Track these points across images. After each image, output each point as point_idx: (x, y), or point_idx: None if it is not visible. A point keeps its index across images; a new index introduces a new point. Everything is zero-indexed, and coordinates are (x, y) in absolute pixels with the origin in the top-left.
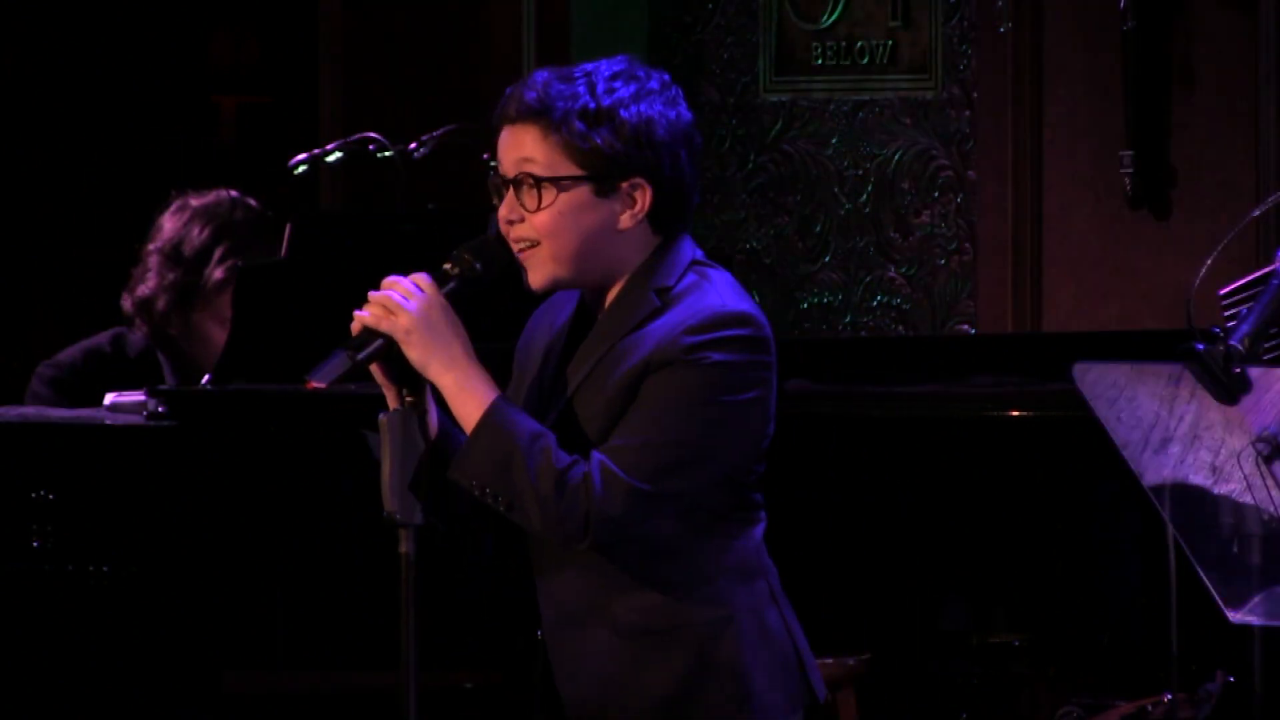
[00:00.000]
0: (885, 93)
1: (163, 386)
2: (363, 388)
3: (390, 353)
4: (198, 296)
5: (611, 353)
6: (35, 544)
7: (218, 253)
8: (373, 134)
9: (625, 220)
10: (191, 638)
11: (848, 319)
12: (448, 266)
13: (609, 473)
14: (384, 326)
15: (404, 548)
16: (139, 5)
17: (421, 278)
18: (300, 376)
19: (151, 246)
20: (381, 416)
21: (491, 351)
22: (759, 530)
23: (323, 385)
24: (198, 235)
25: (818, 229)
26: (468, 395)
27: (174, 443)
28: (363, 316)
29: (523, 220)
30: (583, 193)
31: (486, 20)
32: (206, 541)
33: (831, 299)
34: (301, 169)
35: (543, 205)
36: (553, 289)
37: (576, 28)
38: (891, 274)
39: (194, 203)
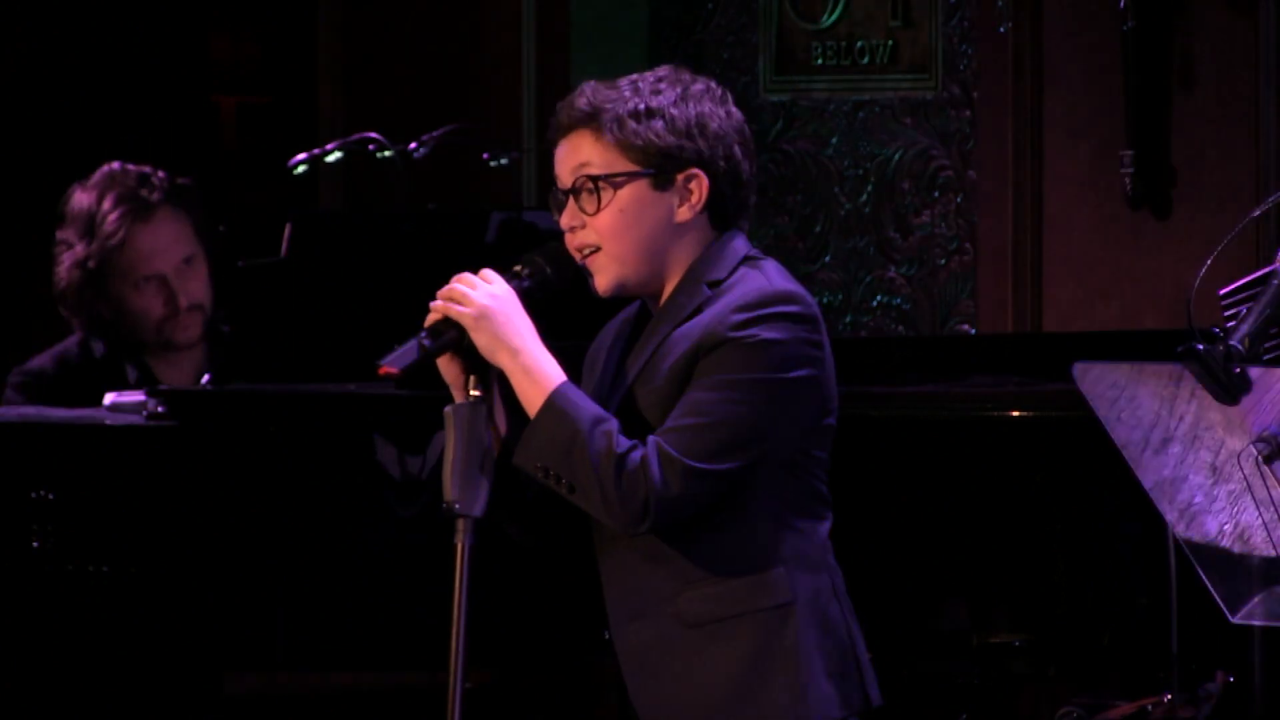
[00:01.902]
0: (885, 93)
1: (163, 386)
2: (363, 388)
3: (461, 345)
4: (102, 257)
5: (664, 345)
6: (35, 544)
7: (105, 205)
8: (373, 134)
9: (684, 213)
10: (192, 638)
11: (848, 319)
12: (518, 269)
13: (665, 455)
14: (453, 314)
15: (460, 539)
16: (139, 5)
17: (488, 272)
18: (299, 376)
19: (58, 237)
20: (447, 409)
21: (556, 350)
22: (825, 526)
23: (395, 371)
24: (86, 202)
25: (818, 229)
26: (533, 380)
27: (174, 443)
28: (435, 307)
29: (584, 226)
30: (641, 188)
31: (486, 20)
32: (207, 541)
33: (831, 299)
34: (301, 169)
35: (603, 206)
36: (619, 293)
37: (576, 28)
38: (891, 274)
39: (77, 186)
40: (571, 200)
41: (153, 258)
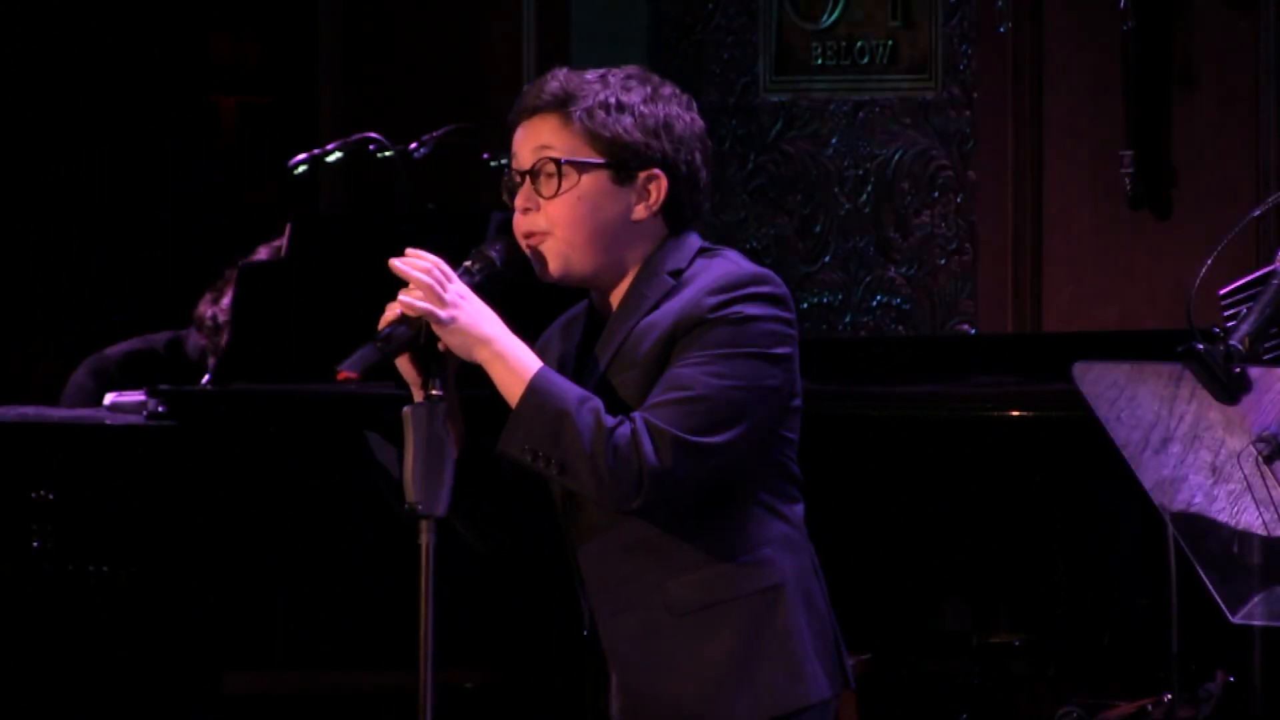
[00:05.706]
0: (885, 93)
1: (163, 386)
2: (362, 388)
3: (417, 343)
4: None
5: (632, 335)
6: (35, 544)
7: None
8: (373, 134)
9: (640, 211)
10: (192, 638)
11: (848, 319)
12: (469, 264)
13: (654, 428)
14: (426, 315)
15: (424, 539)
16: (139, 5)
17: (441, 263)
18: (299, 376)
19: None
20: (406, 409)
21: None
22: (800, 507)
23: (354, 375)
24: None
25: (818, 229)
26: (512, 368)
27: (174, 443)
28: (404, 301)
29: (538, 209)
30: (601, 179)
31: (486, 20)
32: (207, 541)
33: (831, 299)
34: (301, 169)
35: (561, 191)
36: (565, 280)
37: (576, 28)
38: (891, 274)
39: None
40: (529, 181)
41: None
